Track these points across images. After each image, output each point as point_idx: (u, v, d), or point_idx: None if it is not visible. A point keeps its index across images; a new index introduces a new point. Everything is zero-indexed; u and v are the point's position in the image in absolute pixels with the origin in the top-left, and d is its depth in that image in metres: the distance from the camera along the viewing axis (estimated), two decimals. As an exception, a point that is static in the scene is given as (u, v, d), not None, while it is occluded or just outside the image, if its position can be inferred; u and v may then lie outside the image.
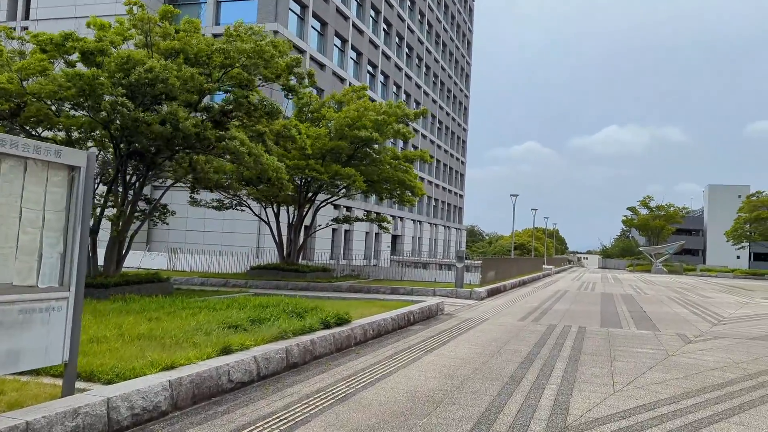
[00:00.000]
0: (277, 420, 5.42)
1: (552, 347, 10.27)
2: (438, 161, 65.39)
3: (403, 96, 54.30)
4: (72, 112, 14.21)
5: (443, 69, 68.72)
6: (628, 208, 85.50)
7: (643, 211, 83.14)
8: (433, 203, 64.81)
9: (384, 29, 50.13)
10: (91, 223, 14.97)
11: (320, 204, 26.37)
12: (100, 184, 16.14)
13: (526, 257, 68.53)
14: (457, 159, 75.54)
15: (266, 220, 25.48)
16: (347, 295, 18.05)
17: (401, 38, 54.35)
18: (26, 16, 36.02)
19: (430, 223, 63.57)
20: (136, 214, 16.11)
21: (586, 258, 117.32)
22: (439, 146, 65.45)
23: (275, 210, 25.35)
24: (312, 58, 36.35)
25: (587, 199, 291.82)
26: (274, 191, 22.74)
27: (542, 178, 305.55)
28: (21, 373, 5.33)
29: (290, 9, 34.43)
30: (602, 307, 18.95)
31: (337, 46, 41.29)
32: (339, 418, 5.57)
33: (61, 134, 15.24)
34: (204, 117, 14.62)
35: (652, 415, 6.12)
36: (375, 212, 39.55)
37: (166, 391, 5.36)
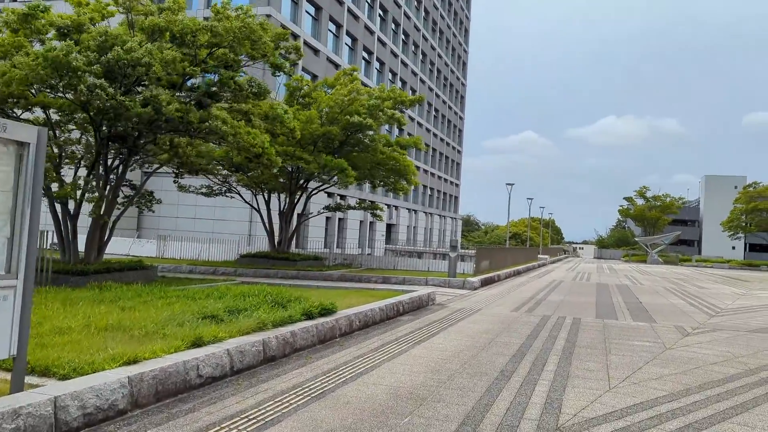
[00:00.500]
0: (245, 420, 5.00)
1: (545, 340, 9.89)
2: (434, 150, 64.81)
3: (399, 83, 53.63)
4: (49, 93, 13.65)
5: (440, 56, 67.97)
6: (624, 198, 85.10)
7: (640, 202, 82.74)
8: (429, 192, 64.30)
9: (380, 15, 49.39)
10: (72, 206, 14.49)
11: (312, 191, 25.88)
12: (83, 167, 15.63)
13: (521, 247, 68.36)
14: (453, 148, 74.97)
15: (257, 207, 25.00)
16: (338, 285, 17.64)
17: (397, 24, 53.62)
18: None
19: (426, 212, 63.10)
20: (120, 199, 15.62)
21: (582, 248, 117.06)
22: (435, 134, 64.86)
23: (266, 197, 24.85)
24: (306, 43, 35.66)
25: (584, 190, 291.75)
26: (264, 177, 22.19)
27: (539, 168, 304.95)
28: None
29: (283, -8, 33.76)
30: (597, 298, 18.59)
31: (331, 32, 40.60)
32: (313, 417, 5.16)
33: (43, 116, 14.71)
34: (188, 98, 14.10)
35: (650, 414, 5.74)
36: (369, 200, 39.07)
37: (125, 388, 4.92)
